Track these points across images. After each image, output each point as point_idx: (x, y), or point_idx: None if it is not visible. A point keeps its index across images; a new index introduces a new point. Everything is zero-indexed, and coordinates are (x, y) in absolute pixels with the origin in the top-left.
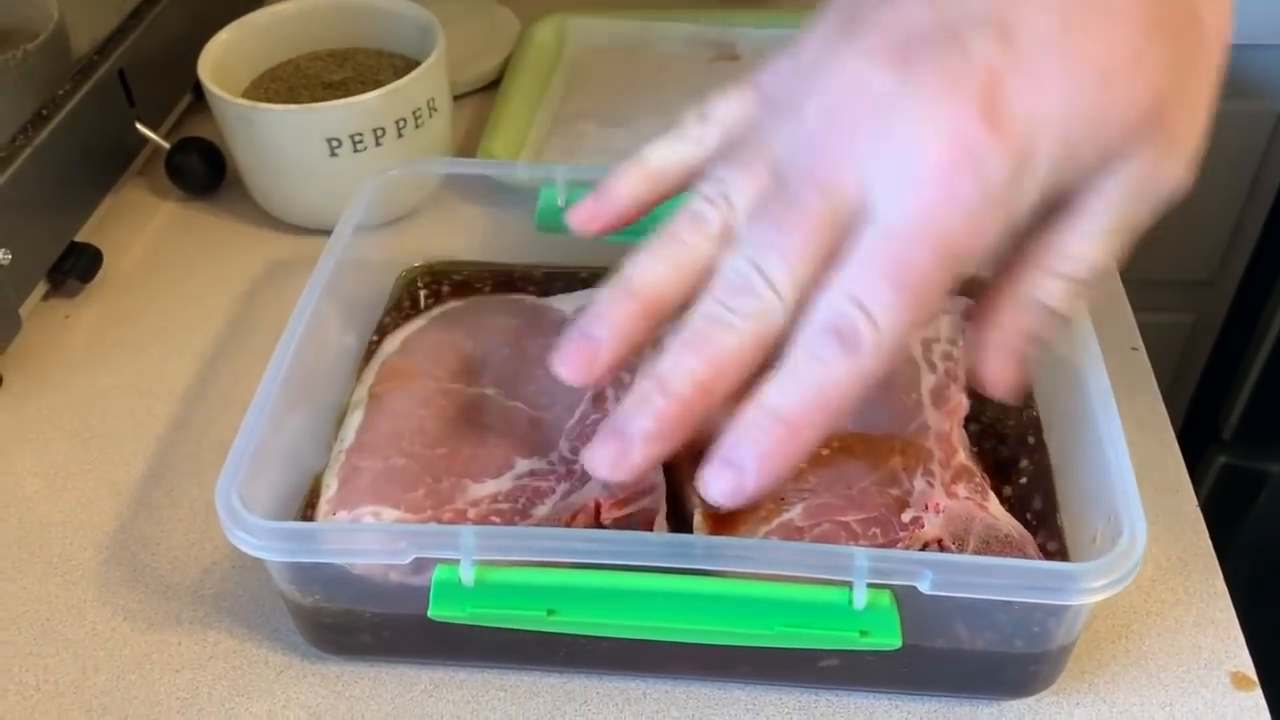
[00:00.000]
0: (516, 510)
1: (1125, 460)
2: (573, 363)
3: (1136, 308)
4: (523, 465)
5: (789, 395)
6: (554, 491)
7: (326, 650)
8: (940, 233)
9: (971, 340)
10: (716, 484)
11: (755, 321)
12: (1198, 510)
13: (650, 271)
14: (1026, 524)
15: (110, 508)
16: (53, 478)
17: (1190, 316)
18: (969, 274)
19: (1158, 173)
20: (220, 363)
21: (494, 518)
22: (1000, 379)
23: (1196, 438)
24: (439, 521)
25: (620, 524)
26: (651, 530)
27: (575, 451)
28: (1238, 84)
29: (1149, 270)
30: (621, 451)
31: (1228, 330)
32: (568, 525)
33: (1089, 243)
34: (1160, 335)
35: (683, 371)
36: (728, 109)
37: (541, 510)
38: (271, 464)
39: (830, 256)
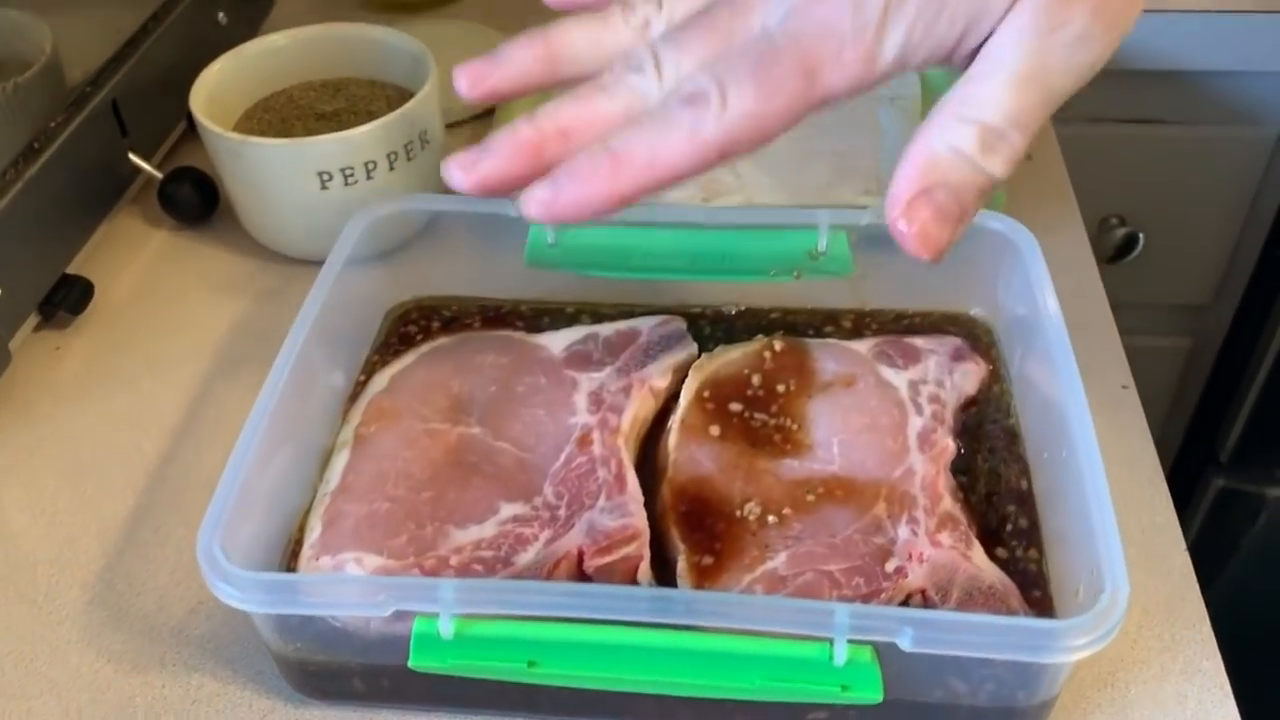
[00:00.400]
0: (499, 558)
1: (1110, 517)
2: (465, 73)
3: (1134, 331)
4: (506, 510)
5: (627, 138)
6: (537, 538)
7: (311, 696)
8: (802, 43)
9: (891, 197)
10: (535, 194)
11: (629, 90)
12: (1186, 554)
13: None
14: (1013, 571)
15: (97, 545)
16: (40, 513)
17: (1188, 340)
18: (827, 101)
19: (1056, 14)
20: (209, 397)
21: (476, 565)
22: (917, 226)
23: (1194, 461)
24: (421, 569)
25: (603, 571)
26: (635, 577)
27: (559, 496)
28: (1235, 109)
29: (1147, 294)
30: (475, 157)
31: (1225, 354)
32: (550, 573)
33: (995, 86)
34: (1158, 359)
35: (549, 112)
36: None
37: (524, 557)
38: (256, 506)
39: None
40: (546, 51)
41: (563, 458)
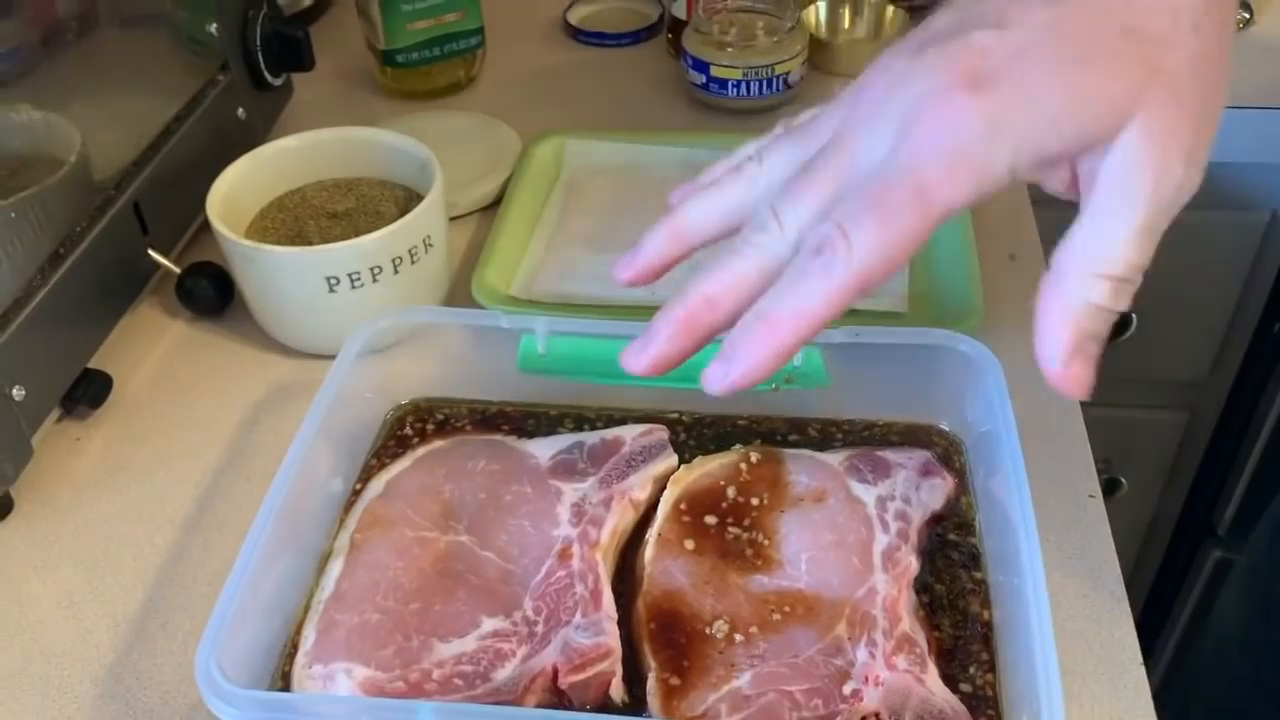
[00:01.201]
0: (478, 673)
1: (1052, 657)
2: (619, 268)
3: (1132, 405)
4: (488, 625)
5: (772, 300)
6: (515, 654)
7: None
8: (915, 171)
9: (1046, 357)
10: (710, 373)
11: (760, 250)
12: (1142, 669)
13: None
14: (969, 694)
15: (109, 639)
16: (57, 605)
17: (1185, 414)
18: (947, 217)
19: (1157, 159)
20: (220, 491)
21: (457, 680)
22: (1074, 379)
23: (1192, 532)
24: (406, 682)
25: (577, 688)
26: (608, 690)
27: (538, 611)
28: (1230, 196)
29: (1144, 370)
30: (642, 345)
31: (1222, 428)
32: (526, 689)
33: (1119, 240)
34: (1156, 432)
35: (695, 286)
36: (777, 151)
37: (502, 674)
38: (255, 611)
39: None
40: (675, 229)
41: (543, 571)
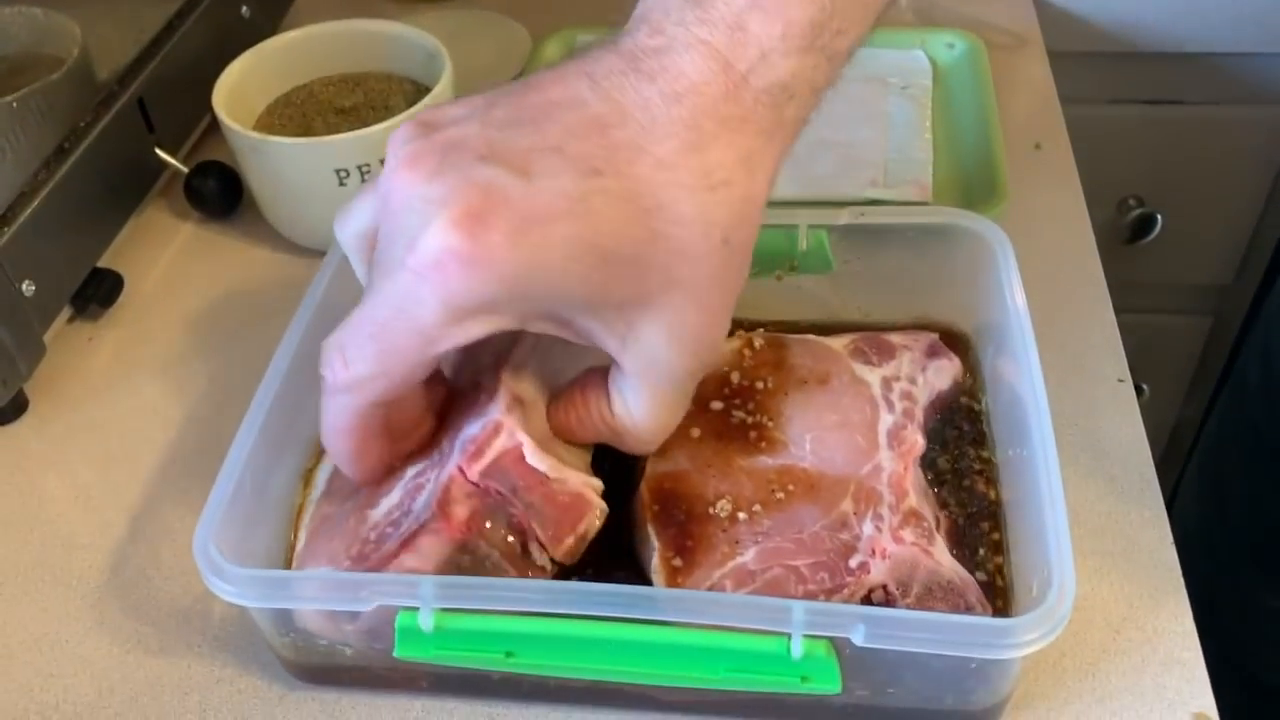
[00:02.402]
0: (404, 511)
1: (1061, 516)
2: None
3: (1155, 310)
4: (411, 470)
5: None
6: (430, 481)
7: (308, 683)
8: (413, 314)
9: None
10: None
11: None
12: (1173, 548)
13: None
14: (976, 569)
15: (128, 531)
16: (74, 500)
17: (1209, 320)
18: (434, 360)
19: (664, 353)
20: (233, 386)
21: (388, 529)
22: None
23: None
24: (350, 558)
25: (492, 475)
26: (525, 462)
27: (449, 437)
28: (1253, 90)
29: (1167, 274)
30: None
31: (1245, 333)
32: (443, 501)
33: (628, 401)
34: (1179, 338)
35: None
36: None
37: (420, 501)
38: (264, 505)
39: None
40: None
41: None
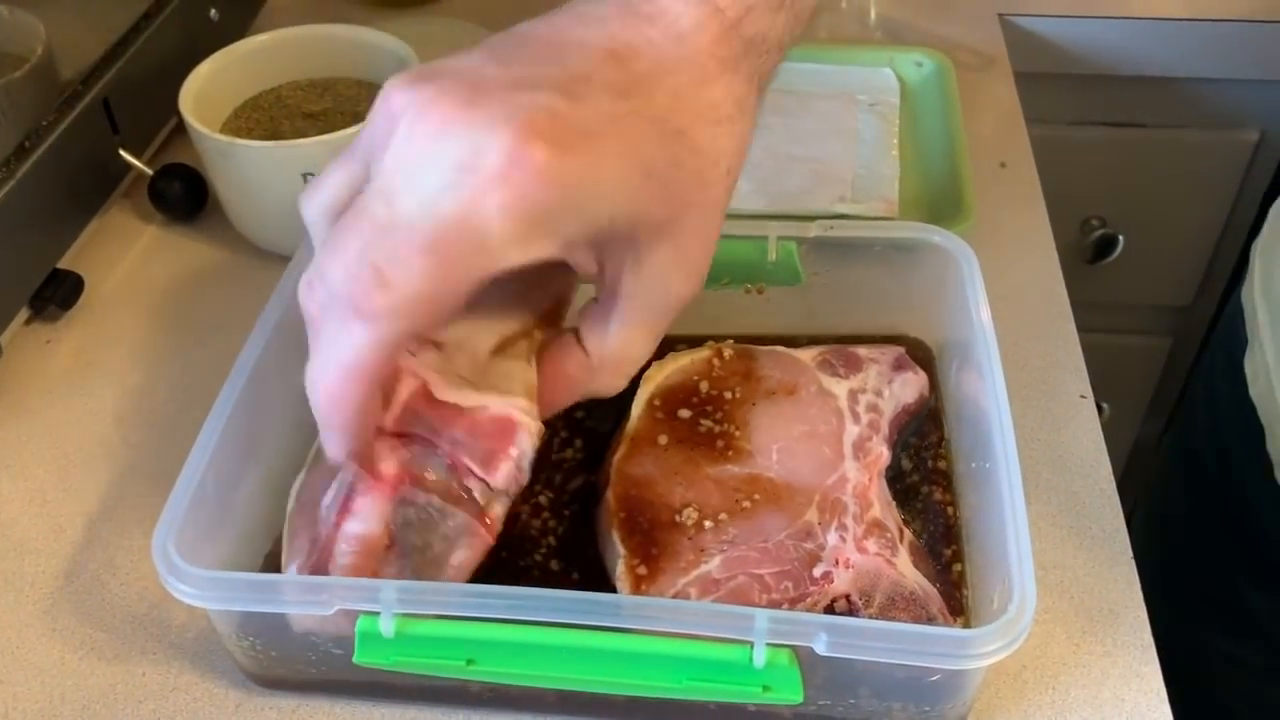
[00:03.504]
0: (339, 483)
1: (1023, 528)
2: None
3: (1116, 330)
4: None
5: (316, 365)
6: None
7: (269, 687)
8: (478, 226)
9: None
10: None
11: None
12: (1132, 561)
13: None
14: (938, 580)
15: (83, 536)
16: (29, 503)
17: (1168, 340)
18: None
19: (669, 282)
20: (194, 392)
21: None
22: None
23: None
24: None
25: (406, 421)
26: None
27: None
28: (1215, 114)
29: (1128, 294)
30: (327, 442)
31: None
32: (364, 462)
33: (639, 346)
34: (1139, 358)
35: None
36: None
37: (347, 469)
38: (227, 515)
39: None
40: None
41: None
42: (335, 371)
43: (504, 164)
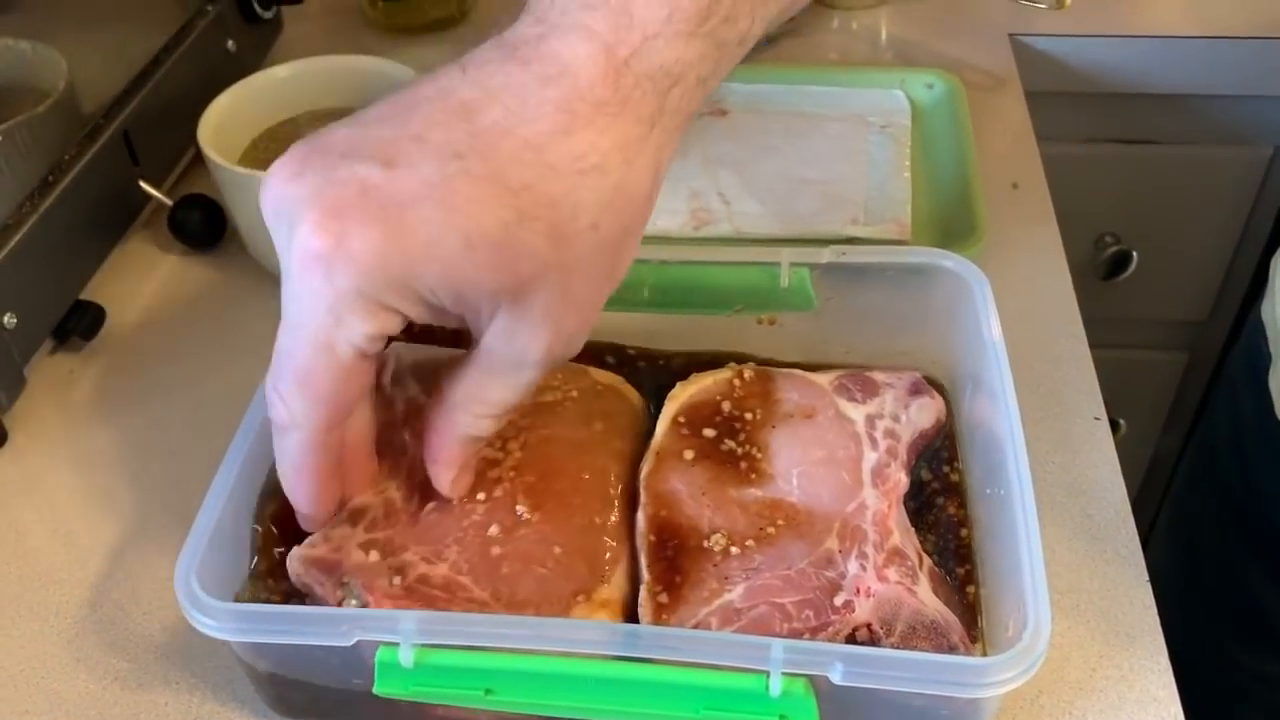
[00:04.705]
0: None
1: (1038, 555)
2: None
3: (1132, 346)
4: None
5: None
6: None
7: (288, 715)
8: (307, 328)
9: (432, 469)
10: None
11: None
12: (1148, 584)
13: None
14: (955, 605)
15: (106, 565)
16: (53, 534)
17: (1185, 355)
18: (352, 371)
19: (515, 341)
20: (215, 421)
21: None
22: (460, 488)
23: None
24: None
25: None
26: None
27: None
28: (1227, 130)
29: (1144, 310)
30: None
31: (1220, 369)
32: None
33: (499, 392)
34: (1156, 373)
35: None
36: None
37: None
38: (249, 545)
39: None
40: None
41: None
42: (284, 468)
43: (301, 255)
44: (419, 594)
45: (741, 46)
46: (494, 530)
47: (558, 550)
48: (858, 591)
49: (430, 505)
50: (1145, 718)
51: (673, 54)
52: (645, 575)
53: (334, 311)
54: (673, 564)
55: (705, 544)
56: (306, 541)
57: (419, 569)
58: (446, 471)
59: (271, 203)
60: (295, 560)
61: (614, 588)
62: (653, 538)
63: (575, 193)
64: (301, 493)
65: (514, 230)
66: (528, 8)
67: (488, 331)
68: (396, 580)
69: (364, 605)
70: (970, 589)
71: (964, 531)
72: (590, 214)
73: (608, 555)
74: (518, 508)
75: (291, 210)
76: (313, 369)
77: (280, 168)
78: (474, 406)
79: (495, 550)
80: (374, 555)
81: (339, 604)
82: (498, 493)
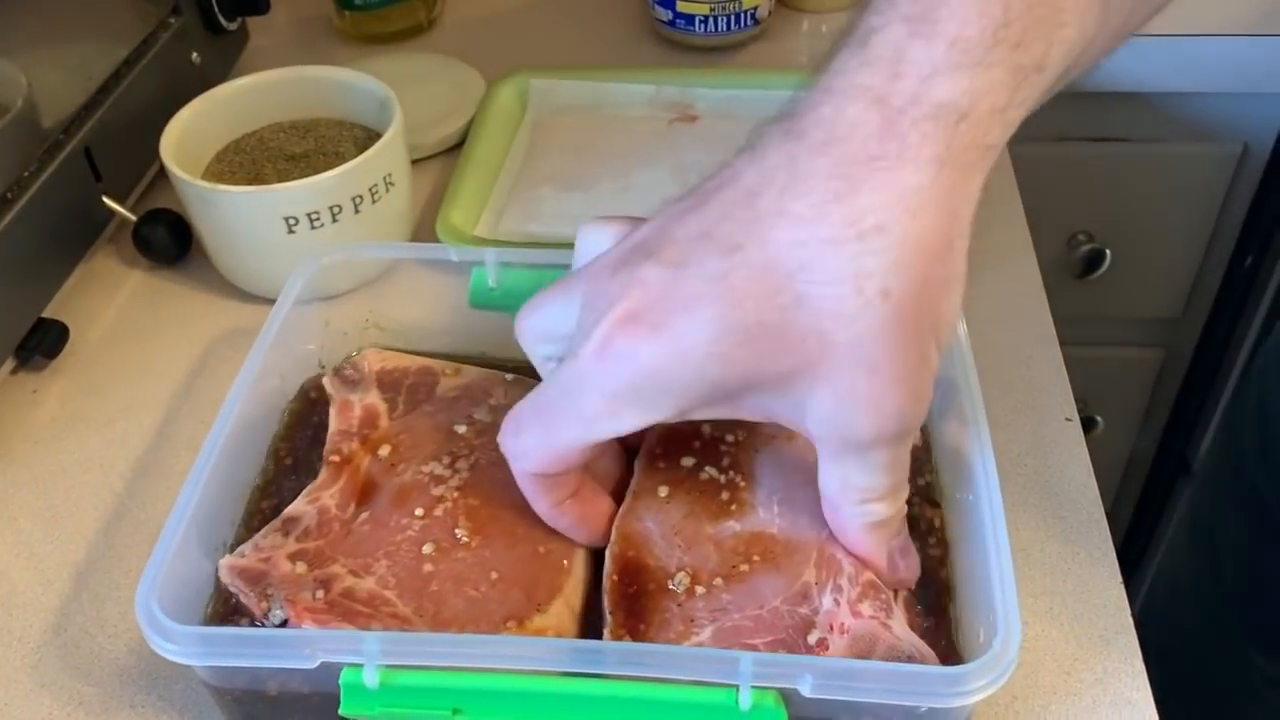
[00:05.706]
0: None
1: (1006, 562)
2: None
3: (1106, 344)
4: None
5: None
6: None
7: None
8: (582, 398)
9: (875, 569)
10: None
11: None
12: (1121, 588)
13: None
14: (929, 613)
15: (71, 588)
16: (16, 556)
17: (1160, 351)
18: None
19: (838, 426)
20: (181, 438)
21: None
22: (906, 574)
23: (1167, 470)
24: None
25: None
26: None
27: None
28: (1198, 128)
29: (1117, 308)
30: None
31: (1196, 365)
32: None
33: (862, 477)
34: (1131, 370)
35: None
36: None
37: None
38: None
39: None
40: None
41: None
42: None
43: (598, 345)
44: (341, 608)
45: (1040, 74)
46: (428, 549)
47: (494, 575)
48: (831, 629)
49: (364, 517)
50: None
51: (956, 87)
52: (608, 618)
53: (610, 402)
54: (634, 605)
55: (670, 584)
56: (237, 550)
57: (345, 582)
58: (881, 563)
59: (586, 294)
60: (224, 569)
61: (550, 618)
62: (615, 578)
63: (856, 260)
64: (554, 520)
65: (795, 315)
66: (816, 77)
67: (808, 420)
68: (320, 594)
69: (285, 618)
70: (945, 600)
71: (936, 537)
72: (876, 280)
73: (547, 586)
74: (457, 530)
75: (603, 305)
76: (559, 429)
77: (603, 266)
78: (850, 496)
79: (427, 568)
80: (301, 566)
81: (264, 615)
82: (438, 511)
